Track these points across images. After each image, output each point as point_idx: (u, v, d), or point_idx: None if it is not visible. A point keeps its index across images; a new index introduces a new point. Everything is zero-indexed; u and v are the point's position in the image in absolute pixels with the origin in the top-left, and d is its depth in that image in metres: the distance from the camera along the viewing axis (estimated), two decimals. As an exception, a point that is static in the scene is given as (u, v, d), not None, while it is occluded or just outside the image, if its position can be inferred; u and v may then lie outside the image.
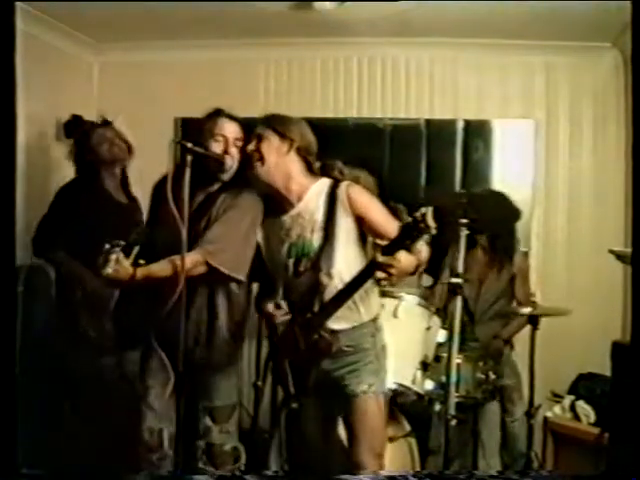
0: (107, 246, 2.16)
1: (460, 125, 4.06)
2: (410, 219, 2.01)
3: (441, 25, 3.69)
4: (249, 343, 3.78)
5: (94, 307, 3.08)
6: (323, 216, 2.33)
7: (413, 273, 2.33)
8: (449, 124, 4.06)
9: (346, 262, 2.32)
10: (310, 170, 2.41)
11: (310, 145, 2.41)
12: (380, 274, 2.19)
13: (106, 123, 3.36)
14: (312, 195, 2.37)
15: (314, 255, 2.32)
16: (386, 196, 2.54)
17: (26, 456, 2.02)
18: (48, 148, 3.84)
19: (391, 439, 2.86)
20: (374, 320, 2.41)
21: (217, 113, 2.49)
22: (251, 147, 2.38)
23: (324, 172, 2.44)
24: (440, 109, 4.08)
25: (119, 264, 2.16)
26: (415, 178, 4.04)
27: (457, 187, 3.97)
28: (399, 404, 2.92)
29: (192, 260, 2.32)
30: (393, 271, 2.13)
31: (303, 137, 2.39)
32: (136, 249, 2.23)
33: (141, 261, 2.26)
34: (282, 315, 2.42)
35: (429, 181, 4.04)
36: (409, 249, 2.13)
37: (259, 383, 3.38)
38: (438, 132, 4.07)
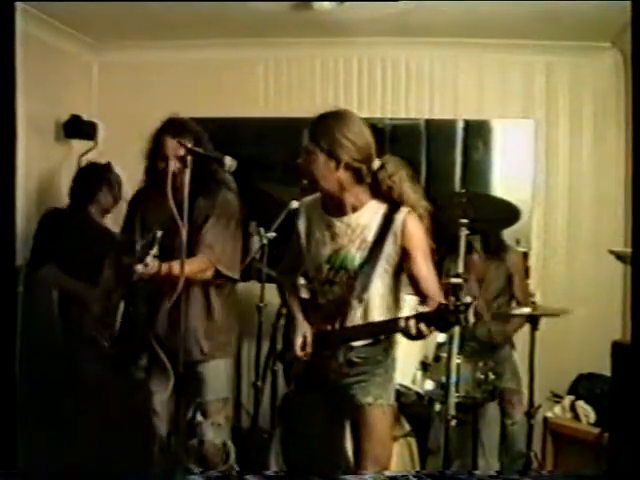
0: (142, 241, 2.19)
1: (460, 125, 4.05)
2: (452, 306, 1.95)
3: (441, 25, 3.68)
4: (249, 343, 3.80)
5: (98, 314, 3.09)
6: (373, 237, 2.24)
7: None
8: (449, 124, 4.05)
9: (379, 290, 2.27)
10: (360, 180, 2.26)
11: (362, 155, 2.22)
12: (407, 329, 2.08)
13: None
14: (368, 211, 2.28)
15: (352, 272, 2.25)
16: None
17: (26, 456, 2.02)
18: (48, 148, 3.83)
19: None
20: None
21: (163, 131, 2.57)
22: (300, 161, 2.28)
23: (376, 185, 2.28)
24: (440, 109, 4.07)
25: (153, 259, 2.22)
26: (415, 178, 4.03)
27: (457, 187, 3.96)
28: (399, 404, 2.92)
29: (199, 265, 2.43)
30: (420, 337, 2.07)
31: (352, 152, 2.20)
32: (156, 248, 2.27)
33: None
34: (304, 355, 2.35)
35: (429, 181, 4.03)
36: (440, 330, 2.16)
37: (259, 383, 3.37)
38: (438, 132, 4.06)
